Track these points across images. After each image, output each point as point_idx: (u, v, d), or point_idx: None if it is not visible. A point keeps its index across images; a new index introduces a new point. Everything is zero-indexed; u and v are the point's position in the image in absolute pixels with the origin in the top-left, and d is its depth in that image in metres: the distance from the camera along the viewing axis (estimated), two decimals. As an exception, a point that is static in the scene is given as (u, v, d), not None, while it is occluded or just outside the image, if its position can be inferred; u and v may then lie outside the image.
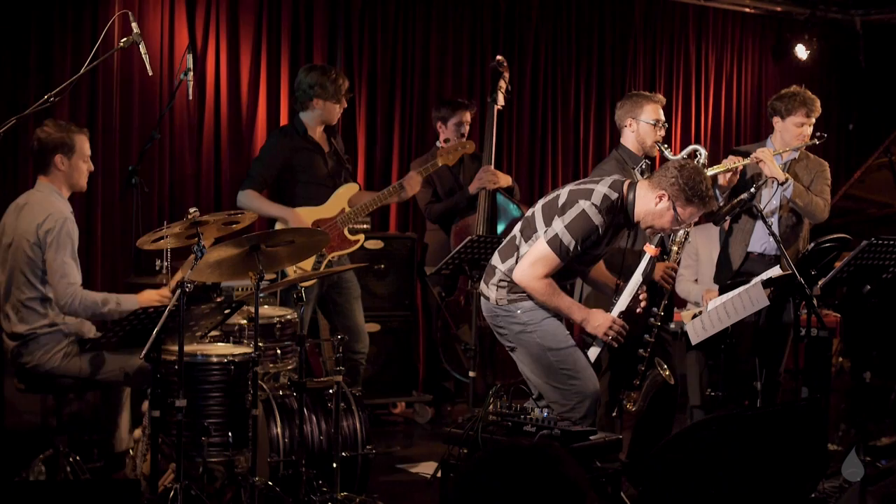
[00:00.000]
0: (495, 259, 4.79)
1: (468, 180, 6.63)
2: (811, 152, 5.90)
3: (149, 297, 4.94)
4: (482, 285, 4.84)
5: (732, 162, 5.58)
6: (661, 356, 5.17)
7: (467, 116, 6.74)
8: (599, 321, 4.62)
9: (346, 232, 5.98)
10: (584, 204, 4.54)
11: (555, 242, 4.54)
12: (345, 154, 6.26)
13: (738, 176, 5.64)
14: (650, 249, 4.70)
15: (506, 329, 4.74)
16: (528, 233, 4.69)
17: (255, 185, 5.96)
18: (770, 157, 5.56)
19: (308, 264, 5.81)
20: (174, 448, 4.47)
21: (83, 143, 5.06)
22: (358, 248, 6.22)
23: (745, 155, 5.65)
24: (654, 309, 5.17)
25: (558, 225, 4.55)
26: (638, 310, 4.75)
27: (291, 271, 5.72)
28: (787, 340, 5.69)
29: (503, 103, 6.51)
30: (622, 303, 4.69)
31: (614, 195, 4.57)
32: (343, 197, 6.00)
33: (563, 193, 4.67)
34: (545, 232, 4.58)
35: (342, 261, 6.06)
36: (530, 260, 4.60)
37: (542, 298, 4.61)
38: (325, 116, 6.03)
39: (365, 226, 6.32)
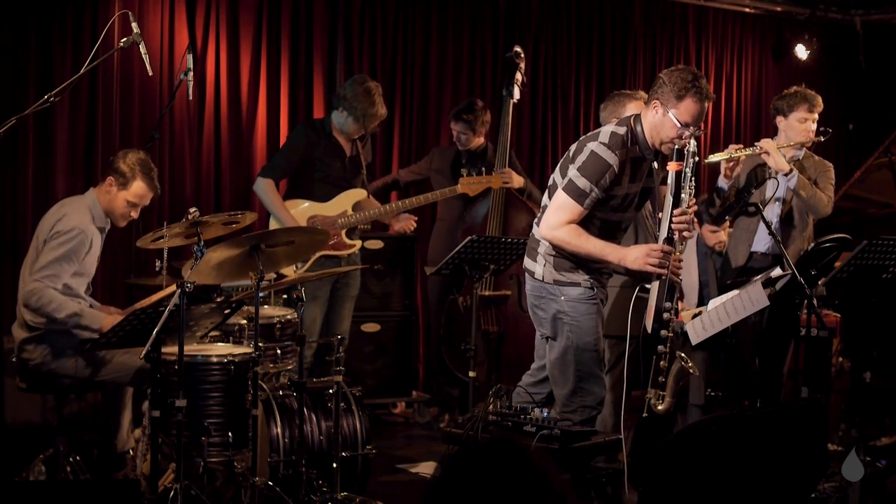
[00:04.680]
0: (535, 230, 4.74)
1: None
2: (814, 153, 5.89)
3: (112, 321, 4.77)
4: (526, 261, 4.74)
5: (735, 150, 5.56)
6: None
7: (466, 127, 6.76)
8: (636, 254, 4.50)
9: (343, 235, 5.98)
10: (592, 145, 4.52)
11: (570, 188, 4.50)
12: (368, 161, 6.24)
13: (740, 166, 5.61)
14: (672, 166, 4.53)
15: (545, 312, 4.65)
16: (552, 193, 4.65)
17: (274, 175, 6.03)
18: (774, 148, 5.54)
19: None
20: (174, 448, 4.46)
21: (140, 191, 5.06)
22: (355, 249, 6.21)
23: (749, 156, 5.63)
24: (668, 304, 5.12)
25: (572, 171, 4.53)
26: (688, 227, 4.54)
27: (290, 271, 5.70)
28: (789, 342, 5.68)
29: (519, 96, 6.49)
30: (664, 229, 4.56)
31: (622, 129, 4.53)
32: (349, 200, 6.01)
33: (574, 146, 4.65)
34: (562, 183, 4.56)
35: (352, 258, 6.08)
36: (551, 210, 4.56)
37: (571, 246, 4.51)
38: (344, 127, 6.04)
39: (364, 226, 6.32)
